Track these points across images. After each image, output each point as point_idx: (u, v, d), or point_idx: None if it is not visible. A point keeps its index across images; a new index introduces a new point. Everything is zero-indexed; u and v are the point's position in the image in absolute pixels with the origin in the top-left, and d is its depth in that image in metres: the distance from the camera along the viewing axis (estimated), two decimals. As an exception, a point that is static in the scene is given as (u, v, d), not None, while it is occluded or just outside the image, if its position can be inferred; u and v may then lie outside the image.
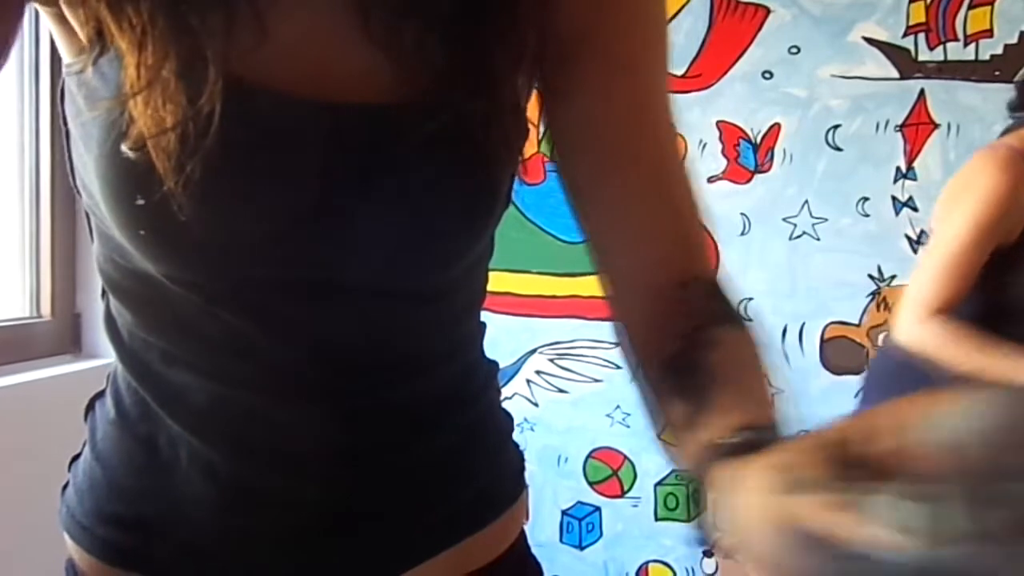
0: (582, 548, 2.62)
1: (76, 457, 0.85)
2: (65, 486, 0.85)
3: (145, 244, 0.66)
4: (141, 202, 0.64)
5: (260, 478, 0.67)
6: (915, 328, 1.74)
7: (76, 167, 0.73)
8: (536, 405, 2.63)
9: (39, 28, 2.05)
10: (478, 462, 0.71)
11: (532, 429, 2.63)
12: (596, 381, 2.61)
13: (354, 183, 0.67)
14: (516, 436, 2.43)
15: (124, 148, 0.62)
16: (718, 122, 2.55)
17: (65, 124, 0.73)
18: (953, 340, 1.70)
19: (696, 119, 2.56)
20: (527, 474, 2.33)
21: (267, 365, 0.70)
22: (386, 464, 0.75)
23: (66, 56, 0.71)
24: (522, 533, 0.87)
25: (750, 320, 0.78)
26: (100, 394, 0.83)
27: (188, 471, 0.73)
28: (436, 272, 0.74)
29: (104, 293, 0.80)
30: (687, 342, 0.69)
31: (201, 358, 0.71)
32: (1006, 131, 1.89)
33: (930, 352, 1.72)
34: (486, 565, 0.81)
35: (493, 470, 0.81)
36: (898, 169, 2.48)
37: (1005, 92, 2.33)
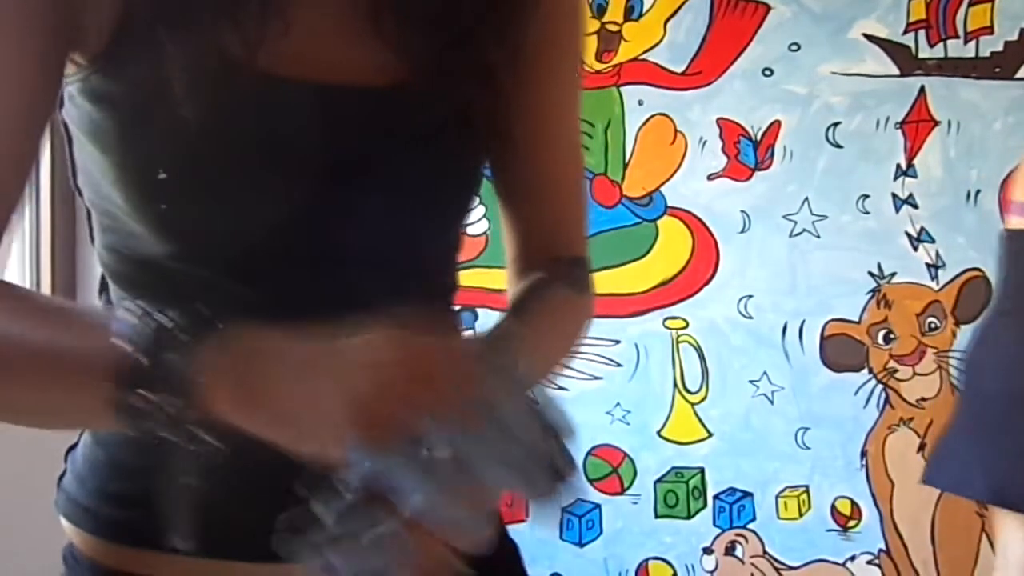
0: (582, 545, 2.62)
1: (72, 447, 0.87)
2: (62, 475, 0.87)
3: (164, 220, 0.72)
4: (163, 176, 0.70)
5: (262, 447, 0.68)
6: None
7: (80, 166, 0.79)
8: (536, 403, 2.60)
9: None
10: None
11: None
12: (596, 378, 2.60)
13: (359, 161, 0.76)
14: None
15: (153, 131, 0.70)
16: (718, 119, 2.55)
17: (66, 129, 0.77)
18: None
19: (696, 116, 2.56)
20: None
21: None
22: None
23: (69, 65, 0.76)
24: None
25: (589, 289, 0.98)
26: None
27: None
28: (430, 245, 0.86)
29: (101, 291, 0.84)
30: (530, 283, 0.88)
31: None
32: None
33: None
34: None
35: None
36: (898, 166, 2.47)
37: (1005, 89, 2.40)
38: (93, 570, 0.82)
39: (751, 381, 2.55)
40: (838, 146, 2.50)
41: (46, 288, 2.10)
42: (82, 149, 0.77)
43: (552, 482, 0.61)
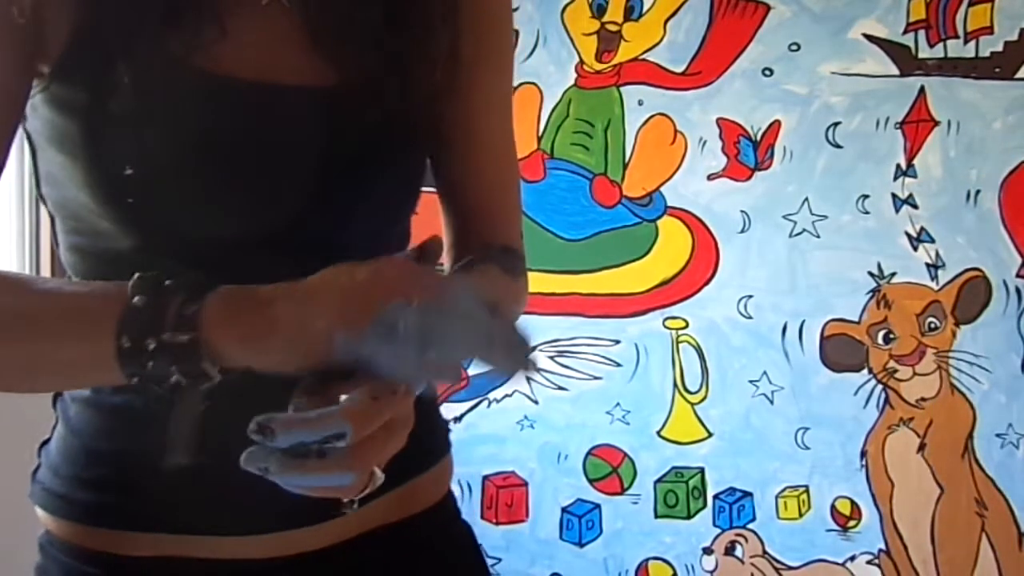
0: (582, 545, 2.61)
1: (46, 442, 0.92)
2: (36, 469, 0.91)
3: (132, 213, 0.78)
4: (130, 171, 0.76)
5: (236, 426, 0.70)
6: None
7: (44, 174, 0.84)
8: (536, 402, 2.62)
9: None
10: (417, 410, 0.75)
11: (532, 426, 2.62)
12: (596, 378, 2.60)
13: (299, 155, 0.83)
14: (516, 433, 2.44)
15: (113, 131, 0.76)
16: (718, 119, 2.54)
17: (30, 140, 0.84)
18: None
19: (696, 116, 2.55)
20: (527, 471, 2.35)
21: None
22: None
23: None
24: (452, 495, 1.00)
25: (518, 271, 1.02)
26: None
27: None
28: (377, 239, 0.92)
29: None
30: (465, 261, 0.94)
31: None
32: None
33: None
34: (422, 511, 0.93)
35: (427, 422, 0.88)
36: (898, 166, 2.47)
37: (1005, 89, 2.40)
38: (72, 553, 0.86)
39: (751, 381, 2.55)
40: (838, 146, 2.50)
41: None
42: (47, 157, 0.82)
43: (511, 352, 0.72)
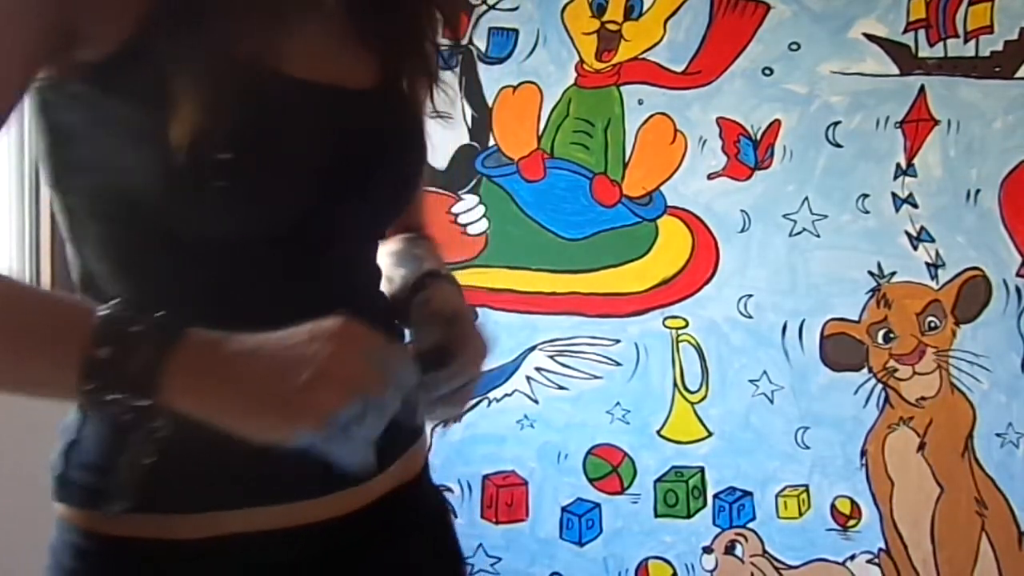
0: (582, 544, 2.61)
1: (70, 444, 0.90)
2: (63, 472, 0.90)
3: (223, 195, 0.81)
4: (227, 156, 0.80)
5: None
6: None
7: (75, 163, 0.84)
8: (536, 402, 2.62)
9: None
10: None
11: (532, 426, 2.62)
12: (596, 378, 2.60)
13: (357, 153, 0.91)
14: (516, 433, 2.45)
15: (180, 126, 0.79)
16: (718, 119, 2.54)
17: (52, 131, 0.85)
18: None
19: (696, 116, 2.55)
20: (527, 471, 2.34)
21: (287, 303, 0.83)
22: None
23: (58, 67, 0.82)
24: (427, 460, 1.08)
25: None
26: None
27: None
28: (397, 216, 1.08)
29: (87, 289, 0.89)
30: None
31: (223, 313, 0.83)
32: None
33: None
34: (414, 478, 1.01)
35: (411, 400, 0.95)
36: (898, 166, 2.47)
37: (1005, 88, 2.41)
38: (121, 547, 0.86)
39: (751, 380, 2.55)
40: (838, 145, 2.50)
41: (45, 285, 2.07)
42: (90, 145, 0.83)
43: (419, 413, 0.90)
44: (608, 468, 2.61)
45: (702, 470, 2.58)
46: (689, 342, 2.57)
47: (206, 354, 0.74)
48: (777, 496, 2.55)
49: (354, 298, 0.89)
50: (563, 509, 2.62)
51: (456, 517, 2.60)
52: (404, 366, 0.82)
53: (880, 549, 2.51)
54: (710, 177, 2.55)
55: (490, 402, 2.63)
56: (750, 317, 2.55)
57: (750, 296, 2.55)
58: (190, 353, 0.73)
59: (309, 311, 0.79)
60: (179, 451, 0.78)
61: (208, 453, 0.80)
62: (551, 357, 2.62)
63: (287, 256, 0.89)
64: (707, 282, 2.56)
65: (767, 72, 2.52)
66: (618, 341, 2.59)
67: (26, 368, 0.75)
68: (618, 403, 2.60)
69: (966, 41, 2.44)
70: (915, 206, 2.47)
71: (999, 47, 2.42)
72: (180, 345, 0.73)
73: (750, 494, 2.56)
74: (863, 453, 2.50)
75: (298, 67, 0.87)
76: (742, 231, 2.55)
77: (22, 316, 0.75)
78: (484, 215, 2.57)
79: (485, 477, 2.63)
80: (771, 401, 2.54)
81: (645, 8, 2.55)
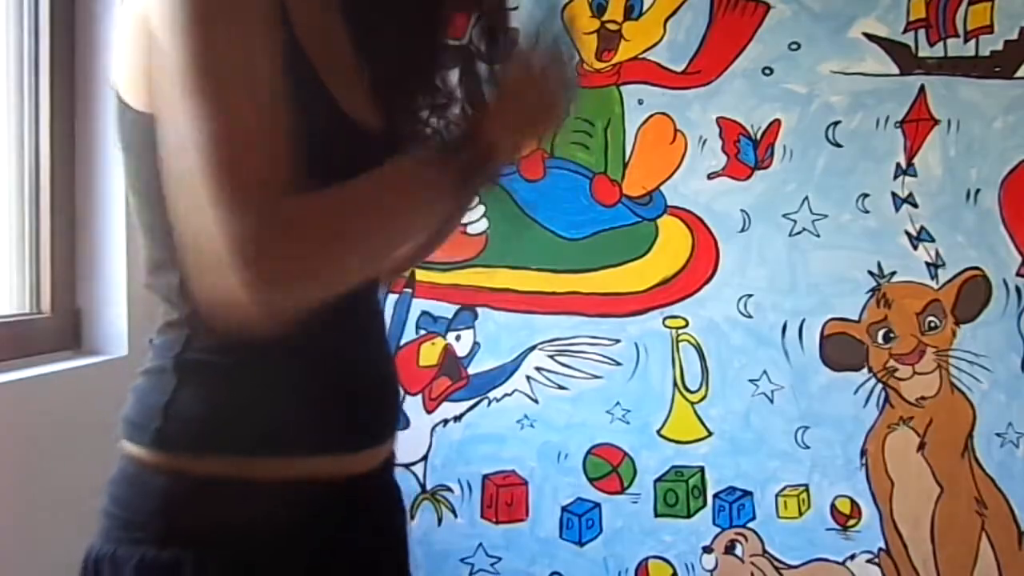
0: (582, 544, 2.61)
1: (167, 404, 1.00)
2: (161, 426, 0.99)
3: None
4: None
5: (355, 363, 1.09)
6: None
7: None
8: (536, 402, 2.63)
9: (39, 21, 2.04)
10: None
11: (532, 426, 2.62)
12: (596, 377, 2.61)
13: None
14: (516, 432, 2.43)
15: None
16: (718, 118, 2.55)
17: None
18: None
19: (696, 115, 2.56)
20: (527, 470, 2.38)
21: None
22: (389, 368, 1.17)
23: None
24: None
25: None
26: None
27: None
28: None
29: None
30: None
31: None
32: None
33: None
34: (389, 456, 1.15)
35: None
36: (898, 165, 2.49)
37: (1005, 88, 2.42)
38: (225, 483, 0.99)
39: (751, 380, 2.55)
40: (838, 145, 2.51)
41: (46, 282, 2.08)
42: None
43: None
44: (608, 468, 2.61)
45: (702, 470, 2.58)
46: (689, 342, 2.58)
47: (507, 113, 1.09)
48: (777, 496, 2.56)
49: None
50: (563, 509, 2.62)
51: (456, 517, 2.62)
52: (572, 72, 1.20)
53: (880, 549, 2.51)
54: (710, 177, 2.57)
55: (490, 402, 2.64)
56: (750, 317, 2.55)
57: (750, 296, 2.56)
58: (495, 127, 1.08)
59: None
60: (264, 405, 0.99)
61: (287, 406, 1.00)
62: (551, 357, 2.62)
63: None
64: (707, 282, 2.57)
65: (767, 72, 2.54)
66: (618, 341, 2.60)
67: (427, 206, 1.05)
68: (618, 403, 2.61)
69: (966, 41, 2.46)
70: (915, 206, 2.49)
71: (999, 47, 2.44)
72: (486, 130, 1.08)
73: (750, 494, 2.57)
74: (863, 453, 2.51)
75: (348, 107, 1.04)
76: (742, 231, 2.56)
77: (402, 183, 1.01)
78: (484, 215, 2.57)
79: (485, 477, 2.64)
80: (771, 401, 2.55)
81: (645, 8, 2.57)
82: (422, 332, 2.64)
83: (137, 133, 0.98)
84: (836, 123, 2.51)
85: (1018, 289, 2.45)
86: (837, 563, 2.52)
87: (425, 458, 2.65)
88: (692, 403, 2.58)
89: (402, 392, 2.14)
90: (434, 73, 1.19)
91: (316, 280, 0.90)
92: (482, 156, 1.06)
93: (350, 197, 0.94)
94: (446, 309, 2.62)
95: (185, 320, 1.00)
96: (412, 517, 2.61)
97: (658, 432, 2.59)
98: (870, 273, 2.51)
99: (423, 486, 2.65)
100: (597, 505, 2.62)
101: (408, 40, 1.16)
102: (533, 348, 2.62)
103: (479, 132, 1.07)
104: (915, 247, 2.48)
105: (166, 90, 0.89)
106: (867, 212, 2.50)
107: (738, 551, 2.57)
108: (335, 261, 0.91)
